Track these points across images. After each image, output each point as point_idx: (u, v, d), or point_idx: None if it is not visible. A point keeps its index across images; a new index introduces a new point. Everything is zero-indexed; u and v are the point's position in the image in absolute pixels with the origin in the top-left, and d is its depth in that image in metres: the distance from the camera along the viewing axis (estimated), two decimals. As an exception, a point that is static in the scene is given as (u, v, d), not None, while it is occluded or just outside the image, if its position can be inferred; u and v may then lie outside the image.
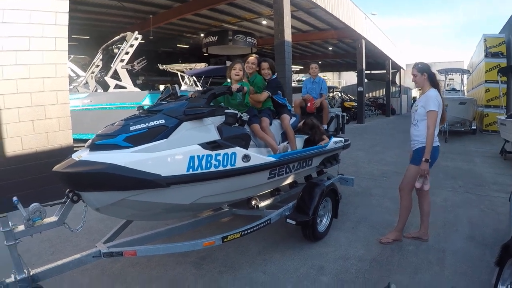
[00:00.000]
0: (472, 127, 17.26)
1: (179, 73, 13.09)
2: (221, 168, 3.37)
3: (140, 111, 3.65)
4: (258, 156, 3.83)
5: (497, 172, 8.69)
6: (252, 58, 4.93)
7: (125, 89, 10.91)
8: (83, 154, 3.06)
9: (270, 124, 4.62)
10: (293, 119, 5.14)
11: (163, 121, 3.22)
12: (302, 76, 36.60)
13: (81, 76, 11.93)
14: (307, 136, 5.33)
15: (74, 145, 6.59)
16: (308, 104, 6.26)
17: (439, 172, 8.18)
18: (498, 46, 19.14)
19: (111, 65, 10.98)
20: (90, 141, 3.23)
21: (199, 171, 3.23)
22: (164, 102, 3.79)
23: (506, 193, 6.38)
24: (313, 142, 5.19)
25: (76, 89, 10.85)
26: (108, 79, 10.93)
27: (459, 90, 18.47)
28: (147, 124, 3.16)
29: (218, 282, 3.58)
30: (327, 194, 4.61)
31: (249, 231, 3.77)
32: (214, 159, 3.32)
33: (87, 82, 11.43)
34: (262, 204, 4.52)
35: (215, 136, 3.45)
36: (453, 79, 20.28)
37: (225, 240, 3.55)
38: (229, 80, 4.49)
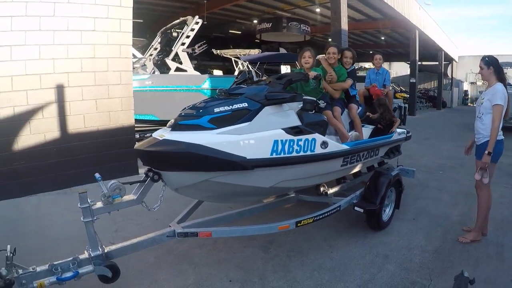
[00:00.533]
0: None
1: (233, 58, 13.04)
2: (302, 153, 3.41)
3: (221, 93, 3.70)
4: (335, 144, 3.85)
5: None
6: (333, 48, 4.79)
7: (186, 72, 11.02)
8: (165, 134, 3.11)
9: (341, 113, 4.60)
10: (360, 108, 5.10)
11: (246, 104, 3.25)
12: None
13: (140, 58, 12.12)
14: (373, 126, 5.29)
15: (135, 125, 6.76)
16: (376, 88, 6.13)
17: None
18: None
19: (172, 48, 11.08)
20: (172, 121, 3.29)
21: (282, 155, 3.26)
22: (243, 86, 3.82)
23: None
24: (381, 132, 5.14)
25: (136, 70, 11.06)
26: (169, 61, 11.05)
27: None
28: (230, 106, 3.20)
29: (287, 266, 3.63)
30: (393, 184, 4.59)
31: (321, 216, 3.80)
32: (296, 144, 3.36)
33: (145, 64, 11.63)
34: (331, 191, 4.53)
35: (296, 121, 3.47)
36: (506, 73, 19.25)
37: (298, 224, 3.58)
38: (300, 68, 4.48)
